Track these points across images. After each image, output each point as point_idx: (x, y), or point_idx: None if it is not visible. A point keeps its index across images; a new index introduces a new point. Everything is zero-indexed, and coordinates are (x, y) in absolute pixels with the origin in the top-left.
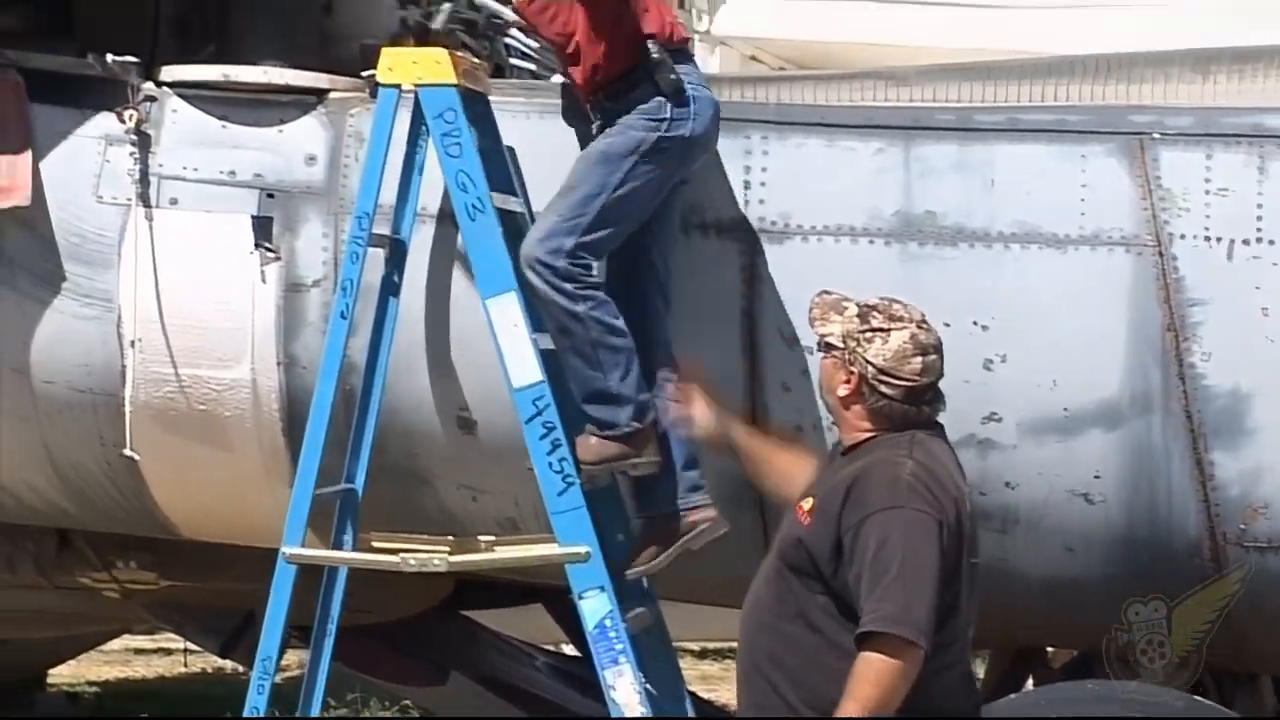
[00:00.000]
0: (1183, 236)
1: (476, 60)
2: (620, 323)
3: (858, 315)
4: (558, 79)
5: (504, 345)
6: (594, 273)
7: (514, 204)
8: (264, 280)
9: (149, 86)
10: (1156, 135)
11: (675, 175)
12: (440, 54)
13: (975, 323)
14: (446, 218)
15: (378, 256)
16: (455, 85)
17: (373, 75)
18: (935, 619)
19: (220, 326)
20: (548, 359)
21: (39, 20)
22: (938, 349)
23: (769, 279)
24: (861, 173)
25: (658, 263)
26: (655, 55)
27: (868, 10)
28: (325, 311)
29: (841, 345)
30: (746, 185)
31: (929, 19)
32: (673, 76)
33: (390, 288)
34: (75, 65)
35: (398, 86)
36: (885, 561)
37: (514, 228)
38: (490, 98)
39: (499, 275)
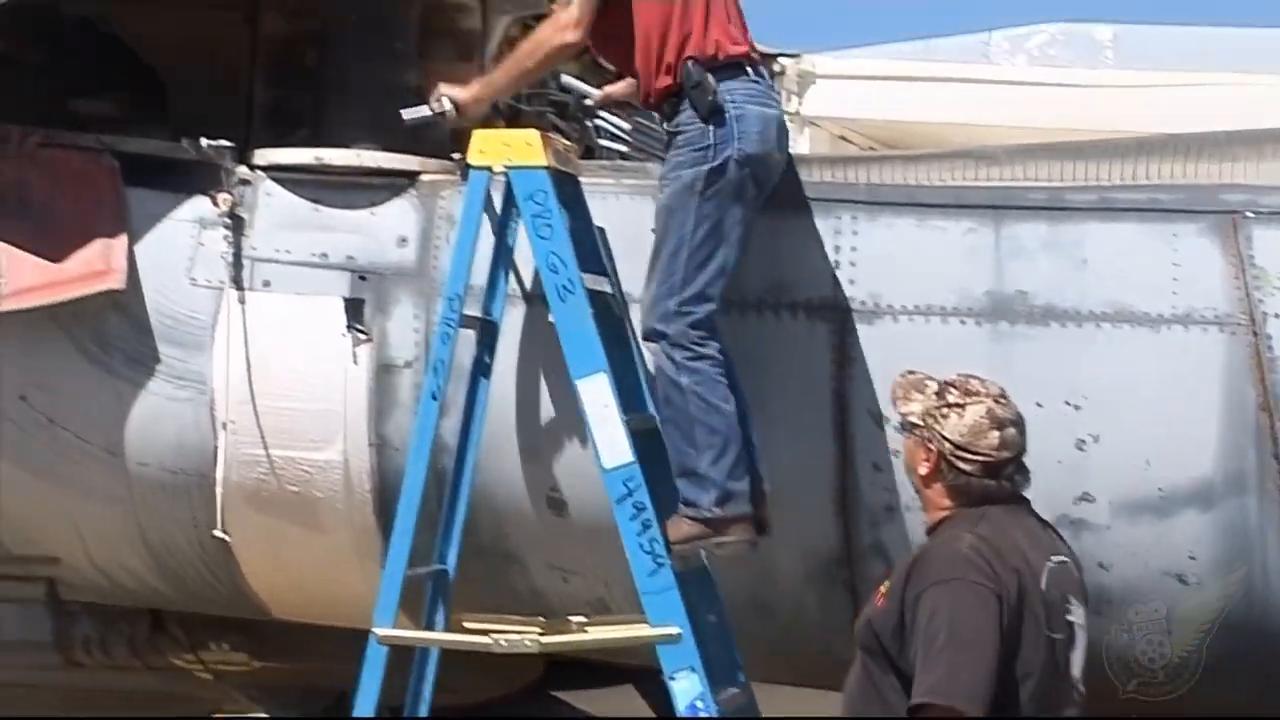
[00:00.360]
0: (1277, 315)
1: (567, 142)
2: (726, 405)
3: (936, 393)
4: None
5: (595, 426)
6: (707, 344)
7: (604, 285)
8: (356, 362)
9: (243, 170)
10: (1249, 214)
11: (747, 199)
12: (531, 136)
13: (1067, 403)
14: (537, 299)
15: (468, 337)
16: (546, 167)
17: (464, 157)
18: (990, 686)
19: (312, 408)
20: (639, 439)
21: (135, 105)
22: (1017, 423)
23: (859, 359)
24: (952, 252)
25: None
26: (693, 77)
27: (957, 90)
28: (416, 392)
29: (921, 423)
30: (837, 265)
31: (1018, 98)
32: (710, 98)
33: (481, 368)
34: (170, 149)
35: (489, 168)
36: (934, 632)
37: (604, 309)
38: (580, 179)
39: (589, 356)
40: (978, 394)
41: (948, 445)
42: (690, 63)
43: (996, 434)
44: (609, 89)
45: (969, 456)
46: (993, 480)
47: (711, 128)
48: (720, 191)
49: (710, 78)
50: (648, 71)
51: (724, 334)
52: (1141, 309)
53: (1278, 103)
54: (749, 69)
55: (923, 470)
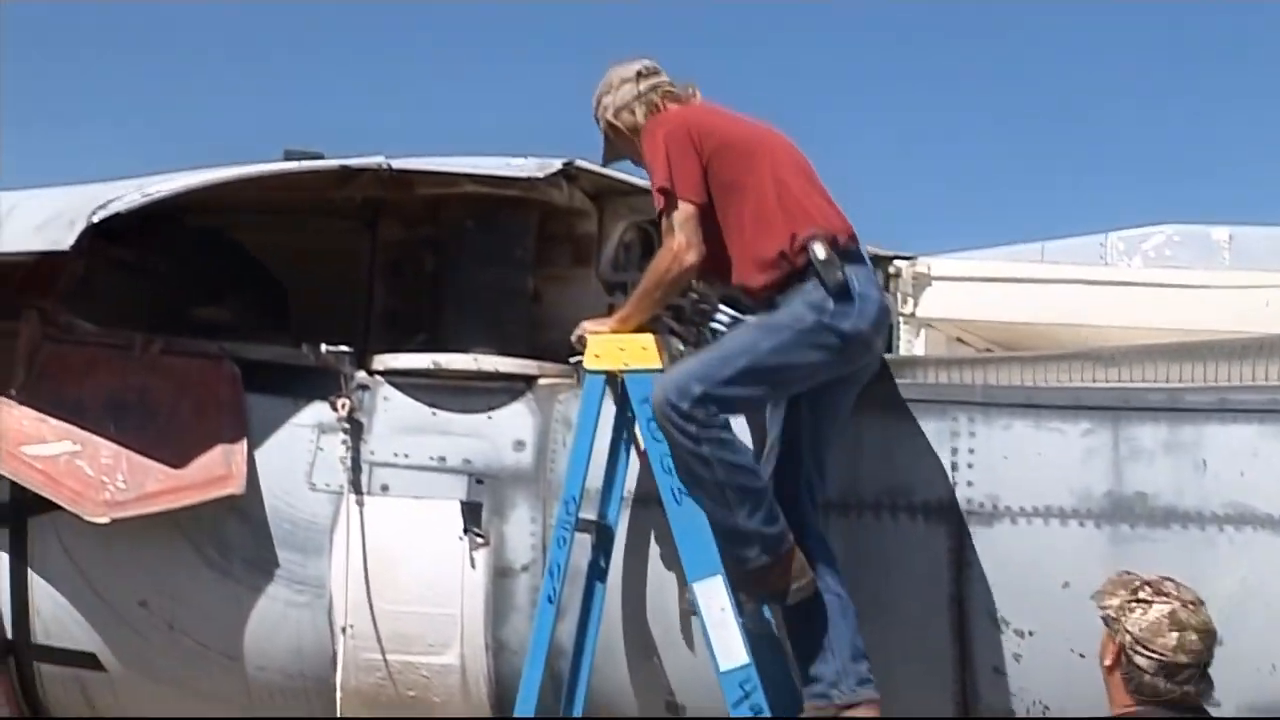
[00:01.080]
0: None
1: (682, 346)
2: (746, 459)
3: (1133, 589)
4: None
5: (711, 628)
6: (718, 418)
7: None
8: (473, 565)
9: (361, 375)
10: None
11: (832, 366)
12: (647, 340)
13: None
14: (653, 501)
15: (584, 540)
16: (661, 370)
17: (580, 361)
18: None
19: (430, 612)
20: (753, 640)
21: (256, 311)
22: (1202, 631)
23: (978, 562)
24: (1070, 454)
25: (807, 460)
26: (822, 256)
27: (1073, 291)
28: (533, 596)
29: (1114, 615)
30: (954, 467)
31: (1135, 299)
32: (839, 275)
33: (597, 572)
34: (290, 355)
35: (605, 372)
36: None
37: None
38: None
39: (705, 559)
40: (1167, 595)
41: (1128, 638)
42: (816, 242)
43: (1175, 635)
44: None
45: (1145, 653)
46: (1167, 682)
47: (833, 299)
48: (815, 345)
49: (835, 259)
50: (750, 267)
51: (840, 536)
52: (1264, 511)
53: None
54: (864, 253)
55: (1106, 660)
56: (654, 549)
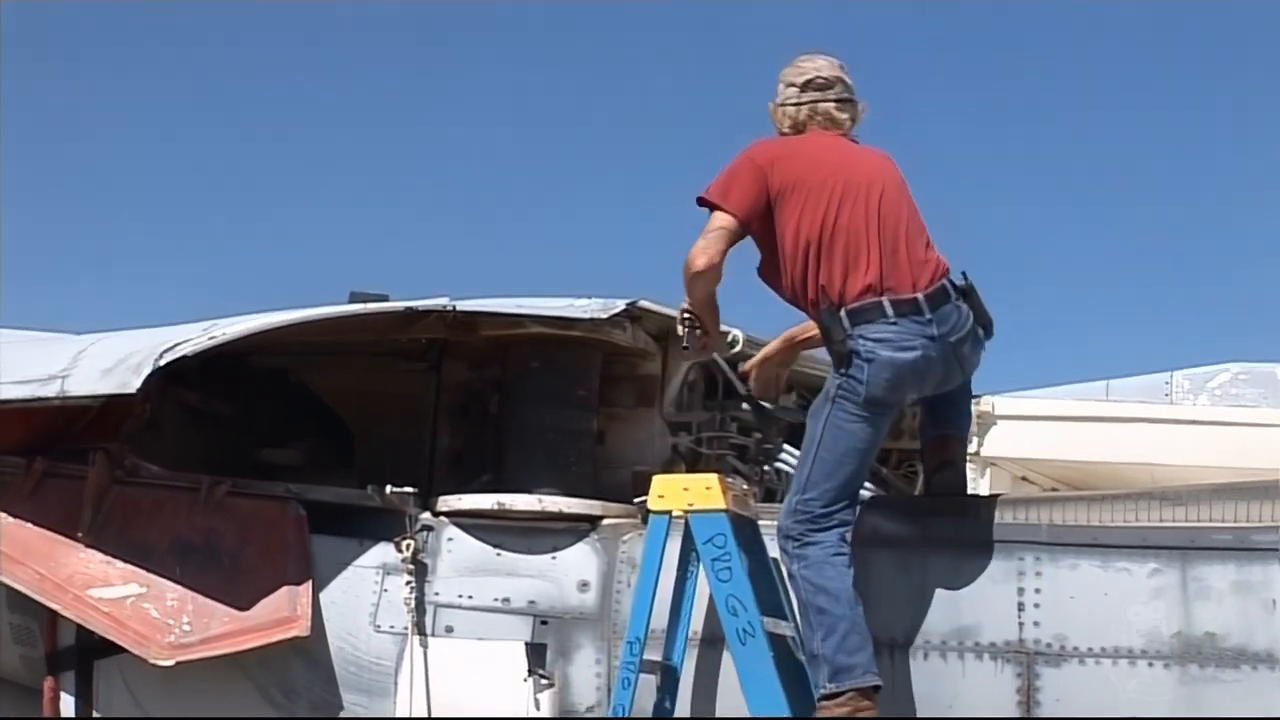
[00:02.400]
0: None
1: (746, 485)
2: (836, 584)
3: None
4: None
5: None
6: (816, 534)
7: (784, 628)
8: (538, 707)
9: (426, 516)
10: None
11: (880, 424)
12: (711, 480)
13: None
14: (718, 641)
15: (649, 682)
16: (725, 511)
17: (644, 501)
18: None
19: None
20: None
21: (322, 453)
22: None
23: (1046, 703)
24: (1138, 594)
25: None
26: (824, 322)
27: (1139, 430)
28: None
29: None
30: (1020, 607)
31: (1201, 437)
32: (836, 342)
33: (662, 713)
34: (355, 497)
35: (669, 512)
36: None
37: (784, 651)
38: (759, 522)
39: (771, 699)
40: None
41: None
42: (824, 308)
43: None
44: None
45: None
46: None
47: (841, 371)
48: (847, 412)
49: (842, 322)
50: (801, 305)
51: (907, 677)
52: None
53: None
54: (889, 309)
55: None
56: (720, 691)
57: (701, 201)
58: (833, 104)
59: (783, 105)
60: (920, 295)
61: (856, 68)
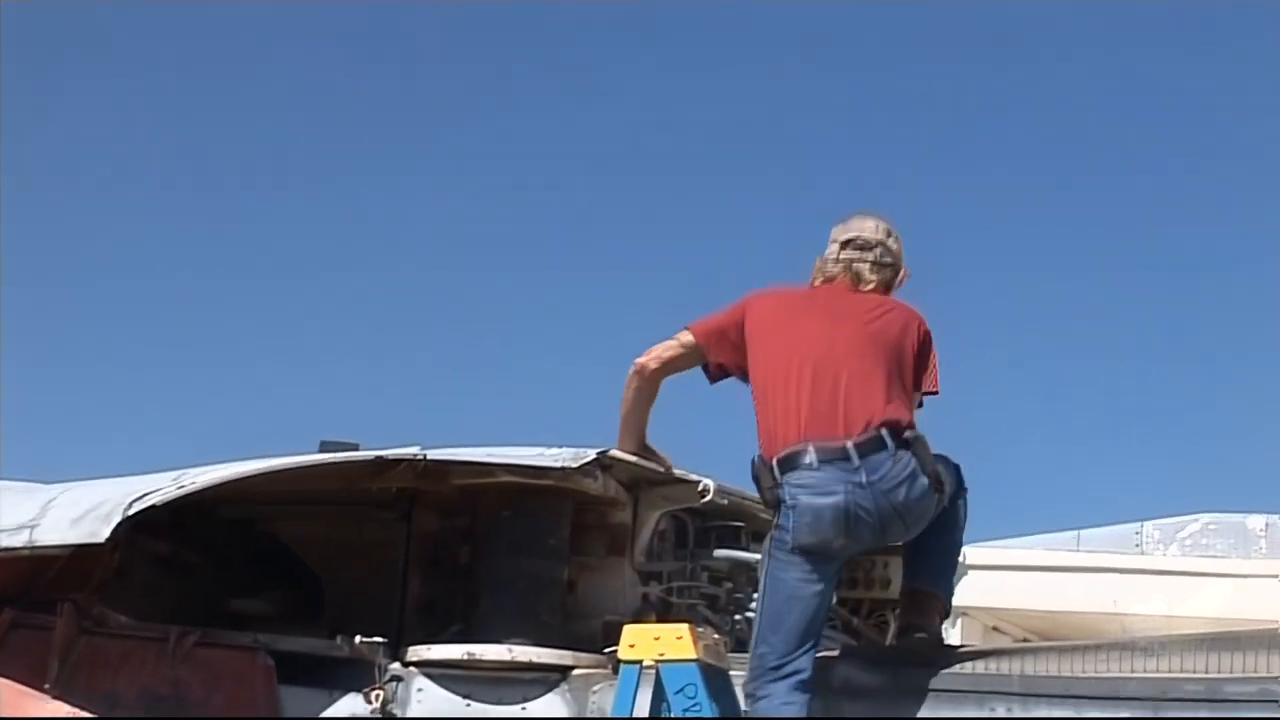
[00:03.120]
0: None
1: (718, 635)
2: None
3: None
4: None
5: None
6: (768, 684)
7: None
8: None
9: (395, 667)
10: None
11: (806, 579)
12: (682, 630)
13: None
14: None
15: None
16: (696, 660)
17: (615, 651)
18: None
19: None
20: None
21: (291, 603)
22: None
23: None
24: None
25: None
26: (755, 472)
27: (1110, 579)
28: None
29: None
30: None
31: (1172, 587)
32: (766, 490)
33: None
34: (324, 647)
35: (640, 662)
36: None
37: None
38: (731, 672)
39: None
40: None
41: None
42: (756, 459)
43: None
44: None
45: None
46: None
47: (777, 518)
48: (776, 567)
49: (773, 471)
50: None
51: None
52: None
53: None
54: (812, 456)
55: None
56: None
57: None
58: (867, 265)
59: (823, 258)
60: (849, 443)
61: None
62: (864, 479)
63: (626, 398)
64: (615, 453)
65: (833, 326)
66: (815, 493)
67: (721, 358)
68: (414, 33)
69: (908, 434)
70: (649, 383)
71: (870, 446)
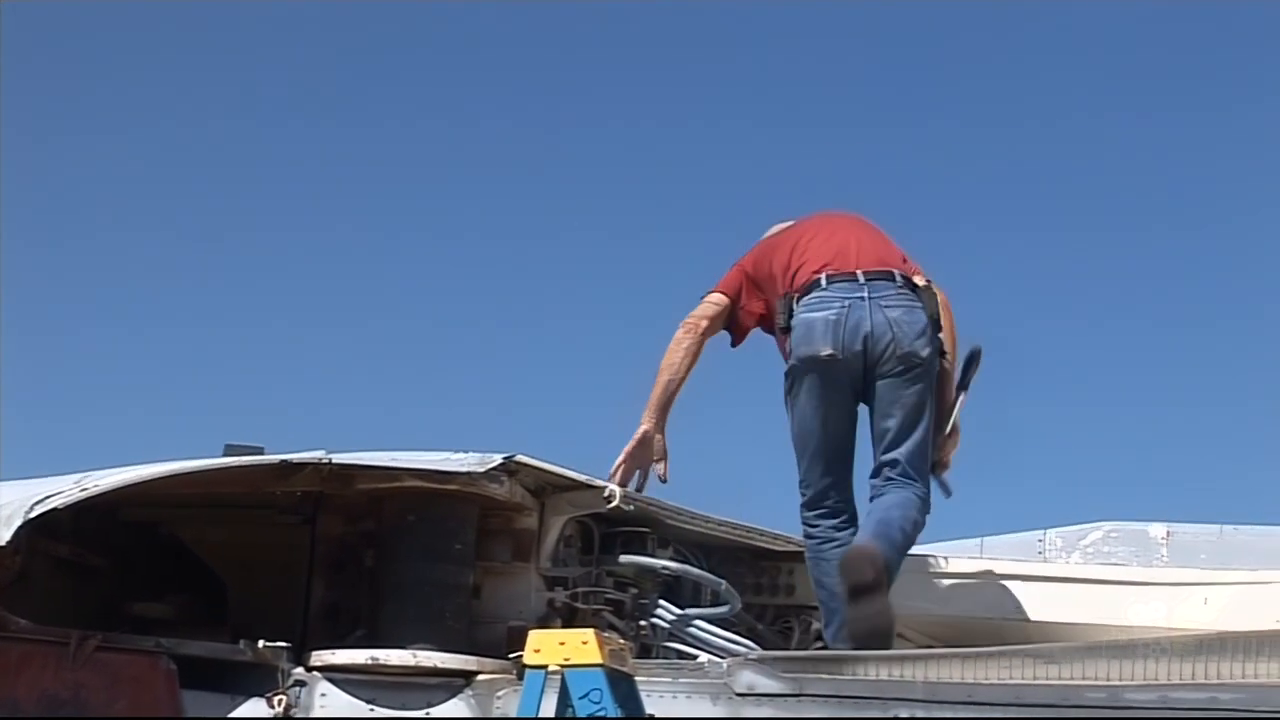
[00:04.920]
0: None
1: (623, 641)
2: (828, 578)
3: None
4: (704, 658)
5: None
6: (813, 522)
7: None
8: None
9: (299, 671)
10: None
11: (813, 401)
12: (587, 635)
13: None
14: None
15: None
16: (601, 666)
17: (520, 656)
18: None
19: None
20: None
21: (194, 607)
22: None
23: None
24: None
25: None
26: (779, 310)
27: (1013, 586)
28: None
29: None
30: None
31: (1073, 595)
32: (782, 319)
33: None
34: (227, 651)
35: (544, 667)
36: None
37: None
38: (636, 678)
39: None
40: None
41: None
42: (780, 300)
43: None
44: None
45: None
46: None
47: (787, 340)
48: (797, 391)
49: (791, 306)
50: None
51: None
52: None
53: None
54: (823, 280)
55: None
56: None
57: None
58: None
59: None
60: (859, 270)
61: None
62: (864, 295)
63: (674, 358)
64: (521, 458)
65: (843, 222)
66: (813, 309)
67: (749, 302)
68: None
69: (916, 279)
70: (698, 342)
71: (878, 274)
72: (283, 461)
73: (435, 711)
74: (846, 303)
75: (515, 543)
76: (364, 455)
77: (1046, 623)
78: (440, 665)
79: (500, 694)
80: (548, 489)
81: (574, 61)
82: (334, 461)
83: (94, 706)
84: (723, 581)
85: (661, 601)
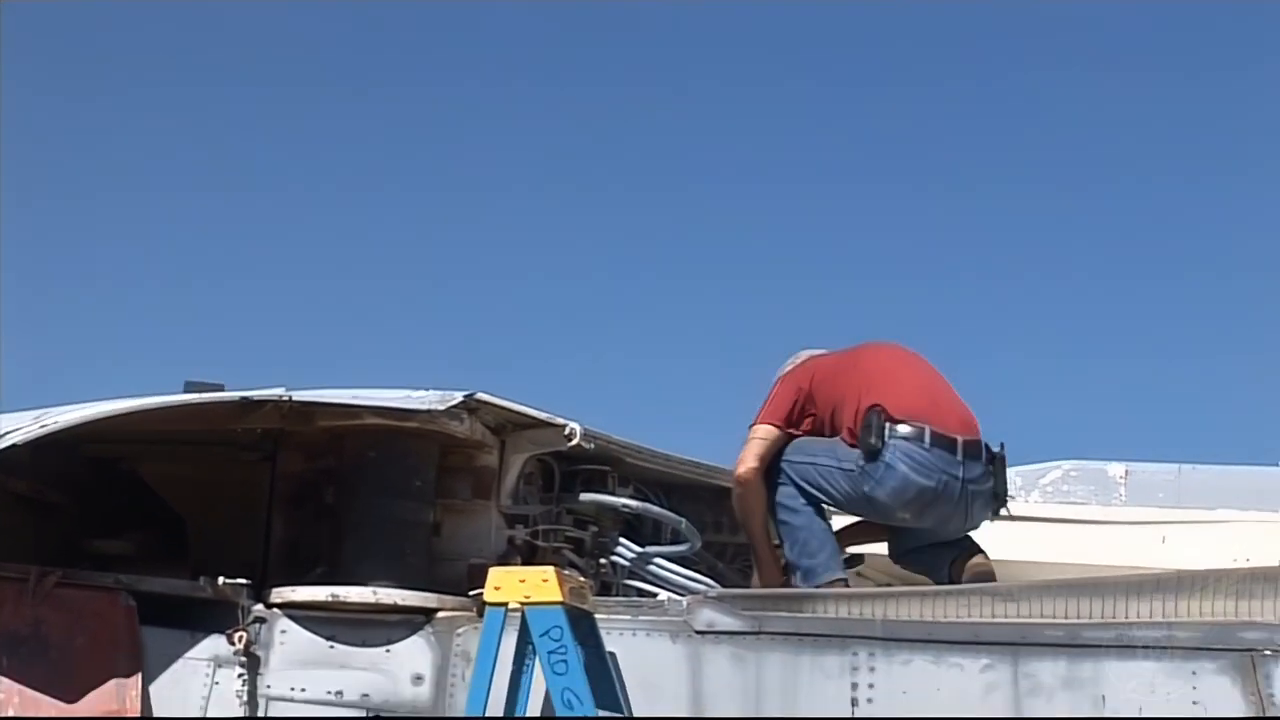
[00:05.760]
0: None
1: (583, 579)
2: (792, 504)
3: None
4: (664, 596)
5: None
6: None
7: None
8: None
9: (259, 608)
10: (1268, 652)
11: (853, 507)
12: (548, 573)
13: None
14: None
15: None
16: (562, 604)
17: (480, 594)
18: None
19: None
20: None
21: (154, 543)
22: None
23: None
24: (969, 688)
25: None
26: (868, 419)
27: None
28: None
29: None
30: (854, 703)
31: (1033, 534)
32: (873, 439)
33: None
34: (187, 588)
35: (505, 605)
36: None
37: None
38: (596, 615)
39: None
40: None
41: None
42: (872, 410)
43: None
44: None
45: None
46: None
47: (864, 459)
48: (844, 482)
49: (884, 429)
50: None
51: None
52: None
53: None
54: (928, 437)
55: None
56: None
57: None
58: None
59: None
60: (960, 438)
61: None
62: (961, 474)
63: (752, 513)
64: (482, 396)
65: (911, 358)
66: (916, 468)
67: (803, 428)
68: None
69: (996, 449)
70: (762, 487)
71: (973, 450)
72: (243, 399)
73: (395, 648)
74: (942, 479)
75: (476, 480)
76: (324, 393)
77: (1005, 561)
78: (400, 602)
79: (460, 631)
80: (508, 427)
81: None
82: (294, 399)
83: (53, 642)
84: (683, 519)
85: (622, 539)
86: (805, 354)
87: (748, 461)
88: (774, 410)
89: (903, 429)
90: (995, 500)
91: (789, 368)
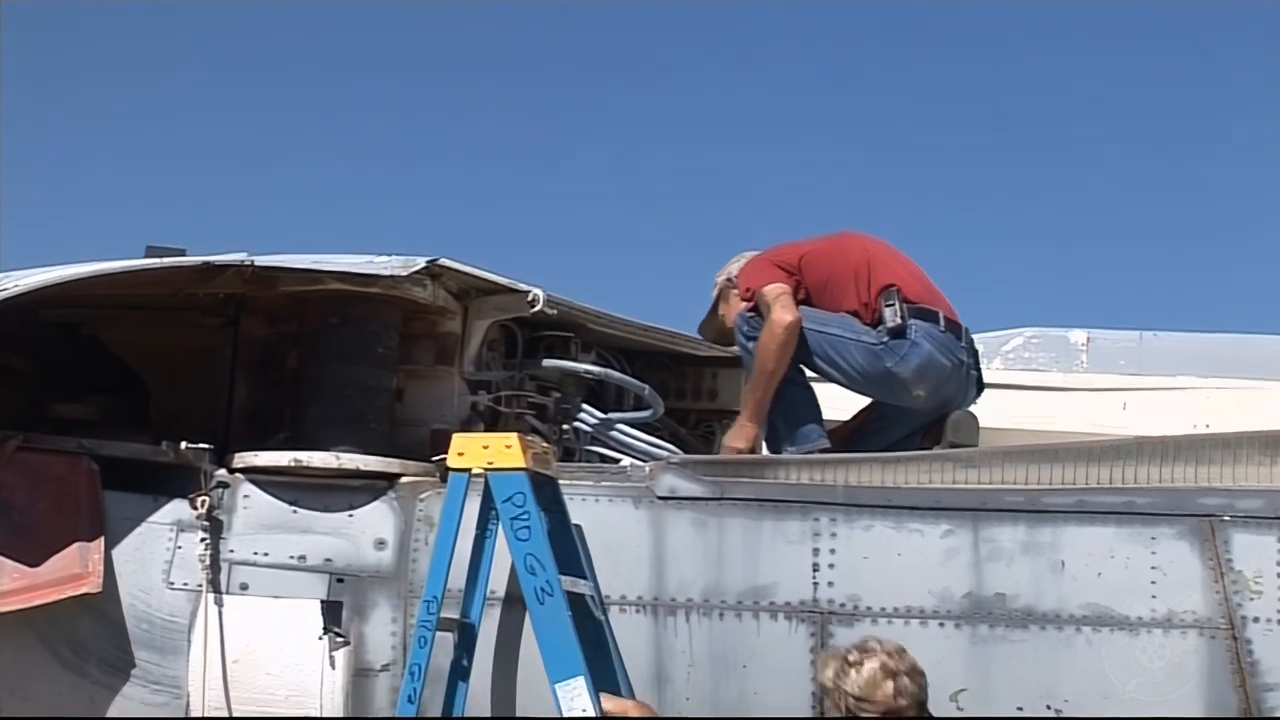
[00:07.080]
0: (1255, 620)
1: (546, 444)
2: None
3: (842, 657)
4: (626, 462)
5: None
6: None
7: (583, 586)
8: (333, 665)
9: (221, 473)
10: (1227, 517)
11: (867, 384)
12: (511, 439)
13: (1048, 706)
14: (516, 600)
15: (446, 640)
16: (525, 470)
17: (443, 459)
18: None
19: (289, 713)
20: None
21: (116, 408)
22: (911, 674)
23: None
24: (930, 555)
25: None
26: (885, 301)
27: None
28: (394, 696)
29: (831, 685)
30: (815, 568)
31: (994, 400)
32: (898, 319)
33: (459, 672)
34: (150, 452)
35: (468, 470)
36: None
37: (583, 611)
38: (560, 481)
39: (567, 660)
40: (872, 651)
41: (850, 700)
42: (887, 297)
43: (890, 684)
44: None
45: (869, 707)
46: None
47: (889, 337)
48: (864, 356)
49: (902, 309)
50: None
51: (704, 638)
52: (1121, 612)
53: (1251, 407)
54: (942, 320)
55: None
56: (518, 649)
57: (749, 293)
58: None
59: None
60: (960, 325)
61: None
62: (964, 359)
63: (782, 363)
64: (445, 261)
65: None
66: (940, 349)
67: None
68: None
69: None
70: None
71: (966, 335)
72: (205, 263)
73: (358, 513)
74: (954, 361)
75: (438, 346)
76: (287, 257)
77: None
78: (363, 467)
79: (423, 496)
80: (471, 293)
81: None
82: (256, 264)
83: (15, 506)
84: (645, 386)
85: (584, 405)
86: (749, 254)
87: (790, 310)
88: (772, 275)
89: (921, 310)
90: (979, 385)
91: (737, 264)
